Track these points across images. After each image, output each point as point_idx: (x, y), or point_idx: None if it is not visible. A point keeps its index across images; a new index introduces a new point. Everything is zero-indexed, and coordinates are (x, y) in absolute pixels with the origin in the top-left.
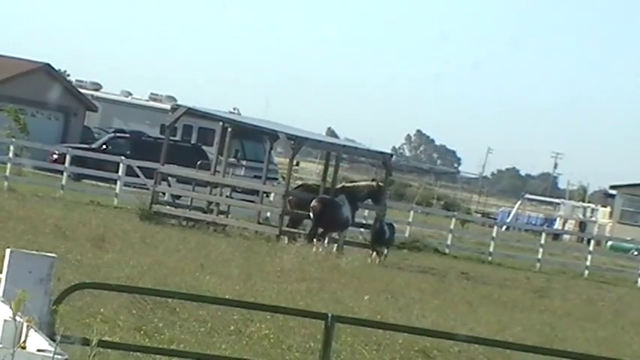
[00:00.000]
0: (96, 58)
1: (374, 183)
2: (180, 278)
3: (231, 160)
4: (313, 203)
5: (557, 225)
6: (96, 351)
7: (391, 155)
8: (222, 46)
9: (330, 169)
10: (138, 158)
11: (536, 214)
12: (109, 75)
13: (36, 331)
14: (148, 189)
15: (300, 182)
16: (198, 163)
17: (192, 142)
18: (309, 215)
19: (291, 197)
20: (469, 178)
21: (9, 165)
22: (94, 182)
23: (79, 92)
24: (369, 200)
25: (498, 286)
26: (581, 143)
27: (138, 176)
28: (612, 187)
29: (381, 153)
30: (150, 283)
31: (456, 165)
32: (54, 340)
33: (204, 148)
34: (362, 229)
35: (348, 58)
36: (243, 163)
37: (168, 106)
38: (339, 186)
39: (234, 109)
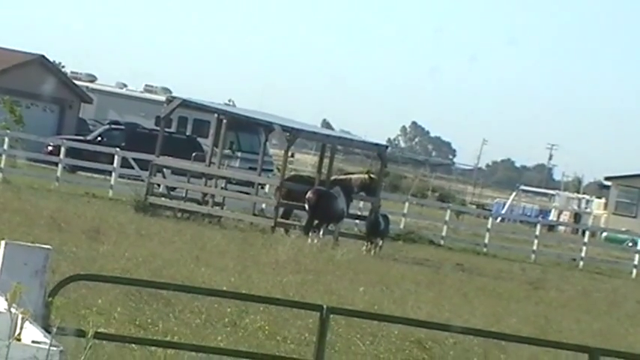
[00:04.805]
0: (91, 50)
1: (365, 176)
2: (175, 270)
3: (226, 151)
4: (309, 195)
5: (552, 216)
6: (91, 343)
7: (386, 147)
8: (217, 37)
9: (326, 161)
10: (133, 150)
11: (531, 205)
12: (104, 67)
13: (31, 323)
14: (142, 181)
15: (292, 173)
16: (193, 154)
17: (188, 133)
18: (299, 206)
19: (281, 187)
20: (464, 170)
21: (4, 157)
22: (89, 174)
23: (74, 84)
24: (361, 192)
25: (493, 278)
26: (577, 135)
27: (133, 168)
28: (607, 179)
29: (376, 145)
30: (145, 275)
31: (451, 156)
32: (49, 332)
33: (199, 139)
34: (357, 221)
35: (343, 49)
36: (238, 154)
37: (163, 98)
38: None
39: (229, 100)
